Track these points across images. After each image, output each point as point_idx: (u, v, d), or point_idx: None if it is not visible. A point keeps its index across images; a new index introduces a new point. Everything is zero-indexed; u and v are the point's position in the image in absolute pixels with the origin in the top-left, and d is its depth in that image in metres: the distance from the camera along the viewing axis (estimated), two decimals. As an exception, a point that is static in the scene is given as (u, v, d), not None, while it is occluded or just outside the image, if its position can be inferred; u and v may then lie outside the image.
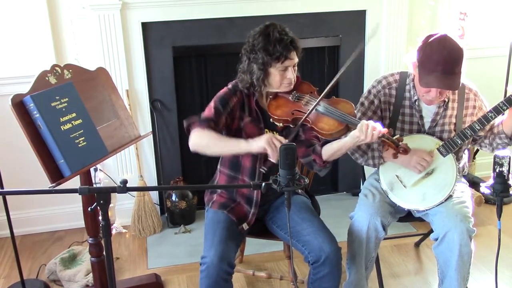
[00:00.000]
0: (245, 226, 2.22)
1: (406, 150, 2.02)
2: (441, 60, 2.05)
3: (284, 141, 1.97)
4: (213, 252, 2.00)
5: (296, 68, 2.15)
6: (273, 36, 2.05)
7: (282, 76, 2.11)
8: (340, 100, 2.15)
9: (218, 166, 2.36)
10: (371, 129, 1.95)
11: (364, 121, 1.97)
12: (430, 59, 2.08)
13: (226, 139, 2.10)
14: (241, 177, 2.25)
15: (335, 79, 2.07)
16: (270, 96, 2.19)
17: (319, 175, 2.25)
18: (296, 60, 2.12)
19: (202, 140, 2.07)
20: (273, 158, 1.94)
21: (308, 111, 2.05)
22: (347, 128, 2.07)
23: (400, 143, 2.01)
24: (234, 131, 2.23)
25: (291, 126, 2.15)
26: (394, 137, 2.02)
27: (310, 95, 2.17)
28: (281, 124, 2.16)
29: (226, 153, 2.18)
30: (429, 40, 2.11)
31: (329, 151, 2.09)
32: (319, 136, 2.11)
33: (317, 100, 2.06)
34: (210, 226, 2.17)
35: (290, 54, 2.07)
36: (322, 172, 2.18)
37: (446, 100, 2.27)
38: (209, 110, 2.16)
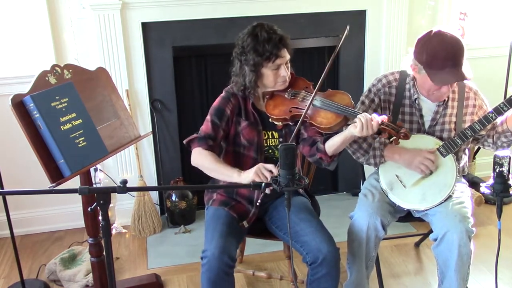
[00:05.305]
0: (245, 223, 2.22)
1: (406, 135, 2.00)
2: (449, 55, 2.07)
3: (275, 170, 1.96)
4: (214, 245, 2.00)
5: (289, 65, 2.14)
6: (261, 36, 2.04)
7: (276, 75, 2.11)
8: (336, 92, 2.14)
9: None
10: (368, 121, 1.94)
11: (361, 115, 1.96)
12: (437, 57, 2.08)
13: (221, 168, 2.12)
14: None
15: (326, 69, 2.05)
16: (267, 96, 2.18)
17: (326, 171, 2.23)
18: (288, 57, 2.11)
19: (201, 163, 2.17)
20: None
21: (305, 108, 2.04)
22: (346, 119, 2.06)
23: (401, 128, 2.00)
24: (232, 137, 2.23)
25: (291, 124, 2.15)
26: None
27: (305, 91, 2.16)
28: (280, 123, 2.16)
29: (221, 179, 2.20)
30: (426, 40, 2.11)
31: (333, 146, 2.08)
32: (319, 130, 2.10)
33: (312, 96, 2.05)
34: (210, 222, 2.17)
35: (280, 52, 2.06)
36: (331, 166, 2.17)
37: (446, 99, 2.27)
38: (206, 125, 2.20)
